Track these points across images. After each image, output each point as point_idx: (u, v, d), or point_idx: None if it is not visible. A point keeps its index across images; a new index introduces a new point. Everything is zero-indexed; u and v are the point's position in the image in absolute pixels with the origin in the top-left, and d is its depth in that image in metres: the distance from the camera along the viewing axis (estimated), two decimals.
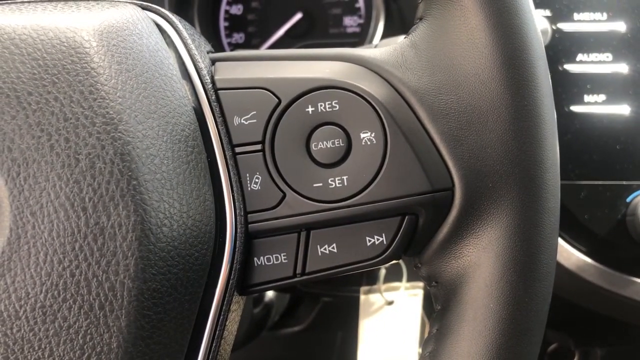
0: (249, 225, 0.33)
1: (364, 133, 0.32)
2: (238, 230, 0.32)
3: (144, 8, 0.34)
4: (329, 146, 0.33)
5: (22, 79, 0.29)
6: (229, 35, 0.82)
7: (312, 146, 0.33)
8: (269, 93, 0.33)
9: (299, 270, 0.33)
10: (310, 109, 0.33)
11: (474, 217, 0.31)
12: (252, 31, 0.82)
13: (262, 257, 0.33)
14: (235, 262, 0.32)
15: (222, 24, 0.82)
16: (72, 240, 0.28)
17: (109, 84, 0.29)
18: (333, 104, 0.33)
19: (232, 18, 0.82)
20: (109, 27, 0.31)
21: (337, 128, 0.33)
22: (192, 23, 0.78)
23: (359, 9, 0.79)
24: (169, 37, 0.34)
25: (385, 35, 0.74)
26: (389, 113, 0.32)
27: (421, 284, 0.71)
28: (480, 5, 0.31)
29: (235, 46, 0.82)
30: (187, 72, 0.33)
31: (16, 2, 0.32)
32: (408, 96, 0.32)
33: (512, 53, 0.31)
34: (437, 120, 0.32)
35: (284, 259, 0.33)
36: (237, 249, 0.32)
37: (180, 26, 0.34)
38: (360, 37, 0.78)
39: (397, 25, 0.75)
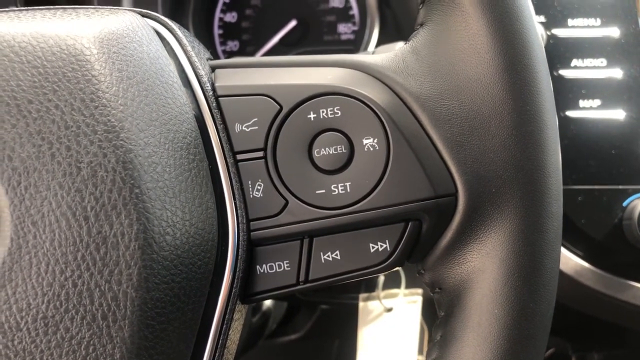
0: (252, 233, 0.33)
1: (366, 139, 0.32)
2: (240, 238, 0.32)
3: (143, 15, 0.34)
4: (331, 152, 0.33)
5: (22, 87, 0.28)
6: (223, 43, 0.82)
7: (315, 153, 0.33)
8: (270, 100, 0.33)
9: (302, 277, 0.33)
10: (312, 116, 0.33)
11: (477, 222, 0.31)
12: (246, 39, 0.82)
13: (264, 265, 0.33)
14: (237, 270, 0.32)
15: (217, 31, 0.82)
16: (74, 250, 0.27)
17: (110, 92, 0.29)
18: (335, 110, 0.33)
19: (227, 26, 0.82)
20: (109, 34, 0.30)
21: (339, 134, 0.33)
22: None
23: (353, 16, 0.79)
24: (168, 44, 0.33)
25: (380, 42, 0.74)
26: (391, 119, 0.32)
27: (420, 290, 0.71)
28: (482, 11, 0.31)
29: (229, 54, 0.82)
30: (188, 80, 0.33)
31: (15, 10, 0.32)
32: (410, 102, 0.32)
33: (514, 58, 0.31)
34: (439, 125, 0.32)
35: (287, 267, 0.33)
36: (239, 257, 0.32)
37: (179, 33, 0.34)
38: (355, 45, 0.78)
39: (392, 32, 0.75)
